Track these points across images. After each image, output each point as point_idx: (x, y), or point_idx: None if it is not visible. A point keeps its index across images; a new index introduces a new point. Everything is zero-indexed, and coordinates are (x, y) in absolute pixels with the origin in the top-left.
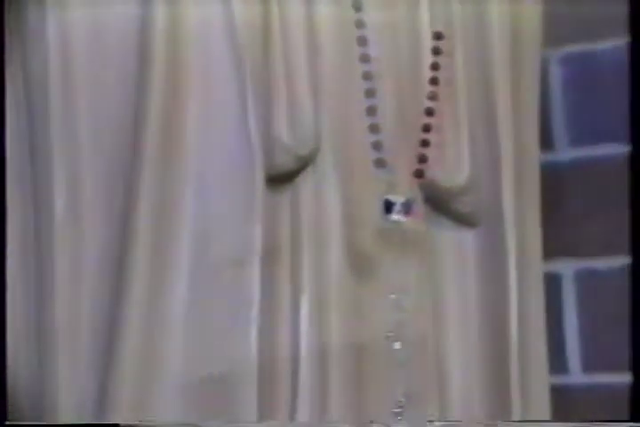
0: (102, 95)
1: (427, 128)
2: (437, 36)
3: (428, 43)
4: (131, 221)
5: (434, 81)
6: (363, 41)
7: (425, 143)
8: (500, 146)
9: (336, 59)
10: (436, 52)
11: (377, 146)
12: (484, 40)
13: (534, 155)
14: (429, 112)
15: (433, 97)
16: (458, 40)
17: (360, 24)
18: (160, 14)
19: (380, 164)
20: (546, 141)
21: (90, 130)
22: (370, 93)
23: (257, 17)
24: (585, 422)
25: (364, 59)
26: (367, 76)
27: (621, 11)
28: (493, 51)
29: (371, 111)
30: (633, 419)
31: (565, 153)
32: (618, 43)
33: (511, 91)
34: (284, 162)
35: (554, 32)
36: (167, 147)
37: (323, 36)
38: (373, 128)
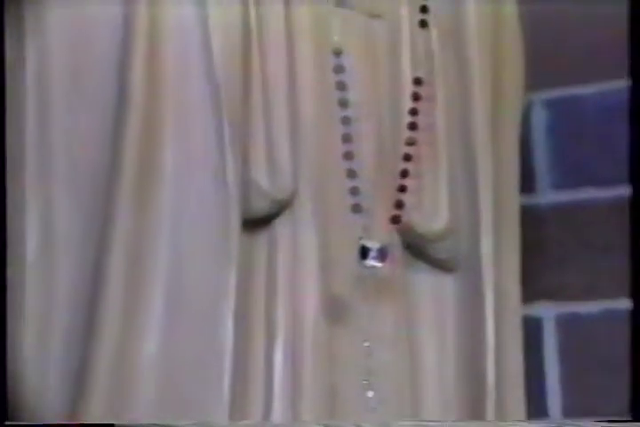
0: (79, 137)
1: (404, 174)
2: (417, 82)
3: (407, 88)
4: (104, 265)
5: (412, 126)
6: (342, 86)
7: (402, 189)
8: (479, 191)
9: (315, 103)
10: (416, 97)
11: (354, 191)
12: (464, 85)
13: (514, 199)
14: (407, 158)
15: (411, 142)
16: (438, 85)
17: (339, 69)
18: (139, 52)
19: (356, 209)
20: (528, 184)
21: (64, 172)
22: (348, 138)
23: (237, 58)
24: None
25: (343, 103)
26: (346, 121)
27: (604, 55)
28: (474, 95)
29: (348, 156)
30: (633, 419)
31: (547, 196)
32: (601, 87)
33: (491, 135)
34: (261, 206)
35: (537, 76)
36: (142, 190)
37: (302, 80)
38: (351, 173)
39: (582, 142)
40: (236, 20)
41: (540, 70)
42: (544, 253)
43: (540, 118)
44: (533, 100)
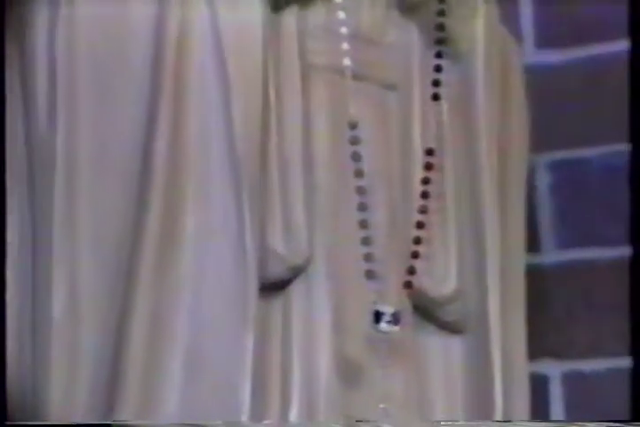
0: (104, 204)
1: (417, 241)
2: (429, 152)
3: (418, 158)
4: (125, 327)
5: (424, 195)
6: (357, 157)
7: (415, 255)
8: (486, 254)
9: (330, 173)
10: (428, 167)
11: (368, 258)
12: (472, 152)
13: (520, 260)
14: (420, 225)
15: (423, 210)
16: (448, 155)
17: (355, 140)
18: (163, 123)
19: (370, 275)
20: (532, 244)
21: (89, 238)
22: (363, 207)
23: (256, 130)
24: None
25: (358, 174)
26: (361, 191)
27: (605, 118)
28: (481, 162)
29: (363, 224)
30: (633, 419)
31: (551, 256)
32: (602, 150)
33: (498, 199)
34: (277, 271)
35: (542, 138)
36: (164, 256)
37: (318, 151)
38: (365, 241)
39: (585, 203)
40: (256, 94)
41: (544, 133)
42: (549, 312)
43: (544, 180)
44: (538, 163)
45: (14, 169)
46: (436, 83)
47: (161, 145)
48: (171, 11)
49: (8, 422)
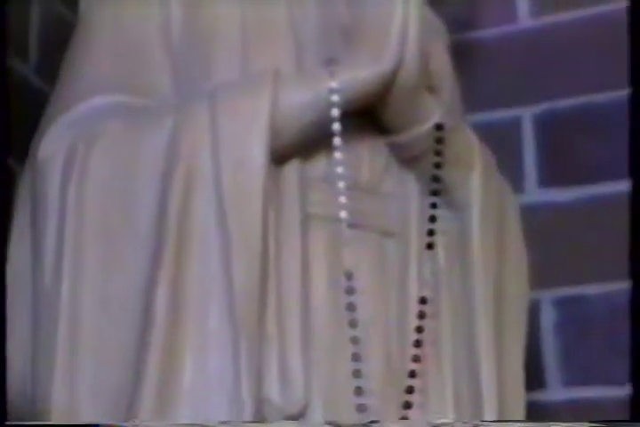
0: (105, 357)
1: (410, 390)
2: (423, 301)
3: (413, 306)
4: None
5: (418, 344)
6: (352, 307)
7: (408, 405)
8: (483, 403)
9: (326, 323)
10: (421, 316)
11: (362, 409)
12: (468, 297)
13: (518, 395)
14: (412, 374)
15: (417, 359)
16: (443, 302)
17: (350, 290)
18: (165, 275)
19: (366, 425)
20: (538, 381)
21: (89, 386)
22: (356, 357)
23: (254, 284)
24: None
25: (353, 324)
26: (355, 341)
27: (606, 255)
28: (476, 306)
29: (357, 374)
30: (633, 419)
31: (558, 393)
32: (605, 287)
33: (494, 340)
34: (274, 420)
35: (546, 275)
36: (162, 405)
37: (316, 300)
38: (358, 391)
39: (589, 341)
40: (256, 247)
41: (547, 270)
42: None
43: (548, 317)
44: (542, 299)
45: (19, 311)
46: (430, 232)
47: (162, 295)
48: (177, 165)
49: (8, 423)
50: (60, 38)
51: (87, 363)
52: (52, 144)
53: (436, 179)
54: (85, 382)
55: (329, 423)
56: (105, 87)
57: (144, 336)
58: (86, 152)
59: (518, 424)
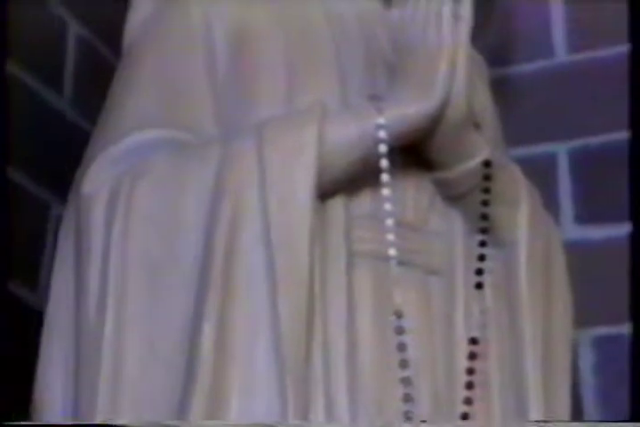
0: (148, 400)
1: None
2: (473, 342)
3: (462, 346)
4: None
5: (469, 385)
6: (402, 347)
7: None
8: None
9: (374, 363)
10: (472, 356)
11: None
12: (516, 337)
13: None
14: (465, 417)
15: (468, 402)
16: (492, 342)
17: (400, 330)
18: (210, 318)
19: None
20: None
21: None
22: (408, 398)
23: (301, 326)
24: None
25: (403, 364)
26: (406, 382)
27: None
28: (524, 346)
29: (408, 415)
30: (633, 419)
31: None
32: None
33: (542, 381)
34: None
35: (584, 315)
36: None
37: (362, 339)
38: None
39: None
40: (302, 288)
41: (585, 307)
42: None
43: (587, 357)
44: (580, 339)
45: (58, 344)
46: (479, 271)
47: (208, 334)
48: (224, 201)
49: (8, 423)
50: (96, 72)
51: (130, 402)
52: (96, 179)
53: (484, 217)
54: None
55: None
56: (149, 123)
57: (189, 375)
58: (131, 187)
59: None
